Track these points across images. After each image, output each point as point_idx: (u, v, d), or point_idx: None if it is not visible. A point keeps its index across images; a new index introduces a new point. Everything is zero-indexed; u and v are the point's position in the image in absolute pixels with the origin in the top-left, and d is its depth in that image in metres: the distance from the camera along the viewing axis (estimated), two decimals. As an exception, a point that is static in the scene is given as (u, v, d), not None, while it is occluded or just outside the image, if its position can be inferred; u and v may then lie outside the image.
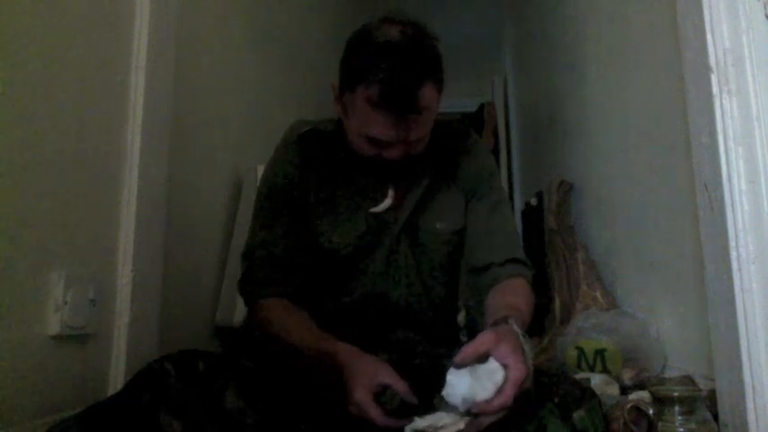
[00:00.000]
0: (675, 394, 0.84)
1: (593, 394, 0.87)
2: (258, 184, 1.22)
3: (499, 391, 0.75)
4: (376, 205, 1.13)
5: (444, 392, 0.77)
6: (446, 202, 1.17)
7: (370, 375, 0.88)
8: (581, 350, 1.29)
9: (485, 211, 1.17)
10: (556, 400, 0.81)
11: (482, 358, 0.78)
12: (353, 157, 1.08)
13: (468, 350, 0.78)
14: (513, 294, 1.05)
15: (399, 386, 0.87)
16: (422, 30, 1.02)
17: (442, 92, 1.04)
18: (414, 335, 1.14)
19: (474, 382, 0.75)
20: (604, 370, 1.25)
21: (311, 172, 1.14)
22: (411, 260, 1.15)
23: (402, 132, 0.98)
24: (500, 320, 0.88)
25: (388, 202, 1.13)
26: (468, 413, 0.76)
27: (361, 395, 0.86)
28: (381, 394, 0.88)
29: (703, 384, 1.00)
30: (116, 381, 1.10)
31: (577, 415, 0.79)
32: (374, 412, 0.84)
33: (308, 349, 0.99)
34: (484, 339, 0.79)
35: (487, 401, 0.74)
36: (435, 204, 1.16)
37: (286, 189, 1.13)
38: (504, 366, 0.77)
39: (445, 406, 0.78)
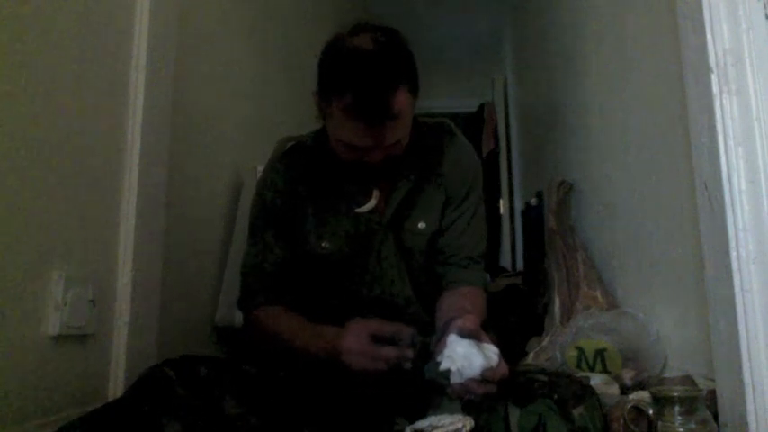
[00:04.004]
0: (675, 394, 0.84)
1: (592, 391, 0.87)
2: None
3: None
4: (361, 207, 1.14)
5: (454, 365, 0.85)
6: (429, 202, 1.18)
7: (363, 324, 0.97)
8: (581, 350, 1.29)
9: (460, 220, 1.20)
10: (555, 397, 0.81)
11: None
12: (337, 164, 1.09)
13: (469, 325, 0.89)
14: (465, 299, 1.13)
15: (389, 328, 0.95)
16: (394, 35, 1.03)
17: (418, 94, 1.04)
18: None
19: (484, 354, 0.86)
20: (604, 370, 1.25)
21: (298, 184, 1.16)
22: (400, 259, 1.16)
23: (378, 138, 1.00)
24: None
25: (372, 203, 1.14)
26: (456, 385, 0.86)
27: (360, 333, 0.95)
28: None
29: (703, 384, 0.99)
30: (116, 380, 1.10)
31: (577, 412, 0.80)
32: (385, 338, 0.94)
33: (301, 337, 1.04)
34: (473, 321, 0.91)
35: (495, 369, 0.86)
36: (418, 204, 1.18)
37: (273, 203, 1.16)
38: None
39: (440, 376, 0.87)
